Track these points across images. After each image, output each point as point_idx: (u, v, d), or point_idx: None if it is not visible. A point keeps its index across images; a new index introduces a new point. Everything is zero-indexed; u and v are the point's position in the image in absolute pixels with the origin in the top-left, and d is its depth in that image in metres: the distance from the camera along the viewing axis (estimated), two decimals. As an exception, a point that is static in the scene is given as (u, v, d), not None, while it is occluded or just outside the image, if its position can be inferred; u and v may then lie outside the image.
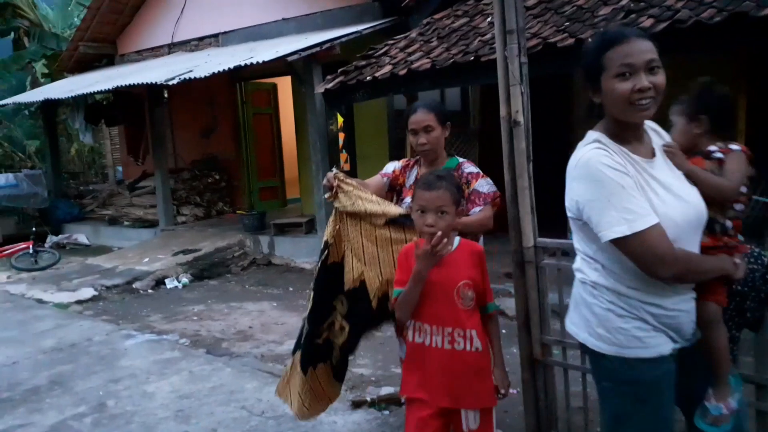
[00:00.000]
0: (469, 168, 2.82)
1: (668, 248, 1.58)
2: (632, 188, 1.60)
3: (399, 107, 7.82)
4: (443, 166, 2.80)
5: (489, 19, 6.43)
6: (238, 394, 3.87)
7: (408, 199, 2.76)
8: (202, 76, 7.22)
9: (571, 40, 4.88)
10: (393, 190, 2.93)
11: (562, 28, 5.23)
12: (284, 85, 10.17)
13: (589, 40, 4.71)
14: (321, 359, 2.71)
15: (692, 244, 1.69)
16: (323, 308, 2.66)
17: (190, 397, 3.86)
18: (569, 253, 2.89)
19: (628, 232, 1.57)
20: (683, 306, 1.70)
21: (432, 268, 2.09)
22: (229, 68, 7.09)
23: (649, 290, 1.65)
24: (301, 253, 7.76)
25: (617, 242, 1.61)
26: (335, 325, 2.67)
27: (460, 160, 2.85)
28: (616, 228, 1.58)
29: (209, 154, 10.69)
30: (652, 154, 1.74)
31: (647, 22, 4.59)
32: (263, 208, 9.61)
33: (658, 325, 1.67)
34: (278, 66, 7.41)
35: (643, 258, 1.59)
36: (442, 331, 2.15)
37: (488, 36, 5.87)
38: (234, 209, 10.41)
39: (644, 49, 1.60)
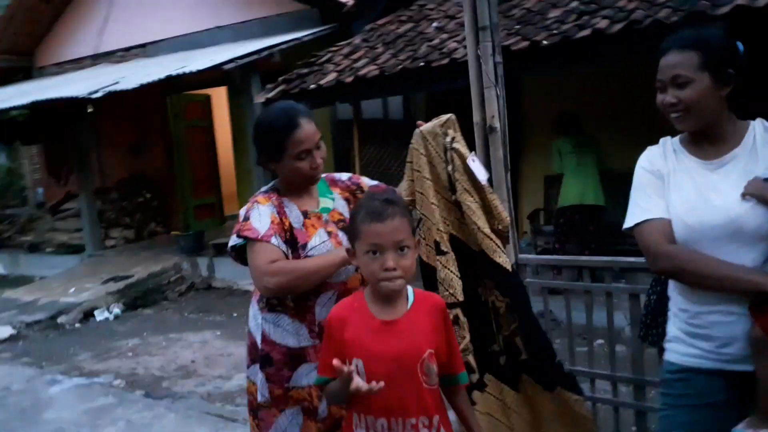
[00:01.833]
0: (342, 175, 2.32)
1: (657, 242, 1.63)
2: (650, 186, 1.71)
3: (343, 117, 7.48)
4: (319, 191, 2.18)
5: (435, 24, 6.22)
6: (185, 444, 3.42)
7: (316, 243, 2.02)
8: (130, 88, 6.64)
9: (525, 43, 4.70)
10: (289, 245, 2.03)
11: (513, 31, 5.05)
12: (219, 96, 9.63)
13: (544, 42, 4.64)
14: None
15: (723, 252, 1.57)
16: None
17: (127, 453, 3.38)
18: (560, 269, 2.70)
19: (629, 225, 1.71)
20: (713, 318, 1.61)
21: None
22: (160, 79, 6.56)
23: (682, 293, 1.69)
24: (244, 275, 7.15)
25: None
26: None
27: (323, 175, 2.22)
28: (627, 221, 1.73)
29: (139, 171, 9.97)
30: (724, 154, 1.67)
31: (602, 24, 4.46)
32: (200, 227, 8.95)
33: (690, 330, 1.66)
34: (212, 76, 6.95)
35: (641, 250, 1.68)
36: (402, 425, 1.56)
37: (436, 41, 5.65)
38: (168, 230, 9.71)
39: (667, 65, 1.63)
